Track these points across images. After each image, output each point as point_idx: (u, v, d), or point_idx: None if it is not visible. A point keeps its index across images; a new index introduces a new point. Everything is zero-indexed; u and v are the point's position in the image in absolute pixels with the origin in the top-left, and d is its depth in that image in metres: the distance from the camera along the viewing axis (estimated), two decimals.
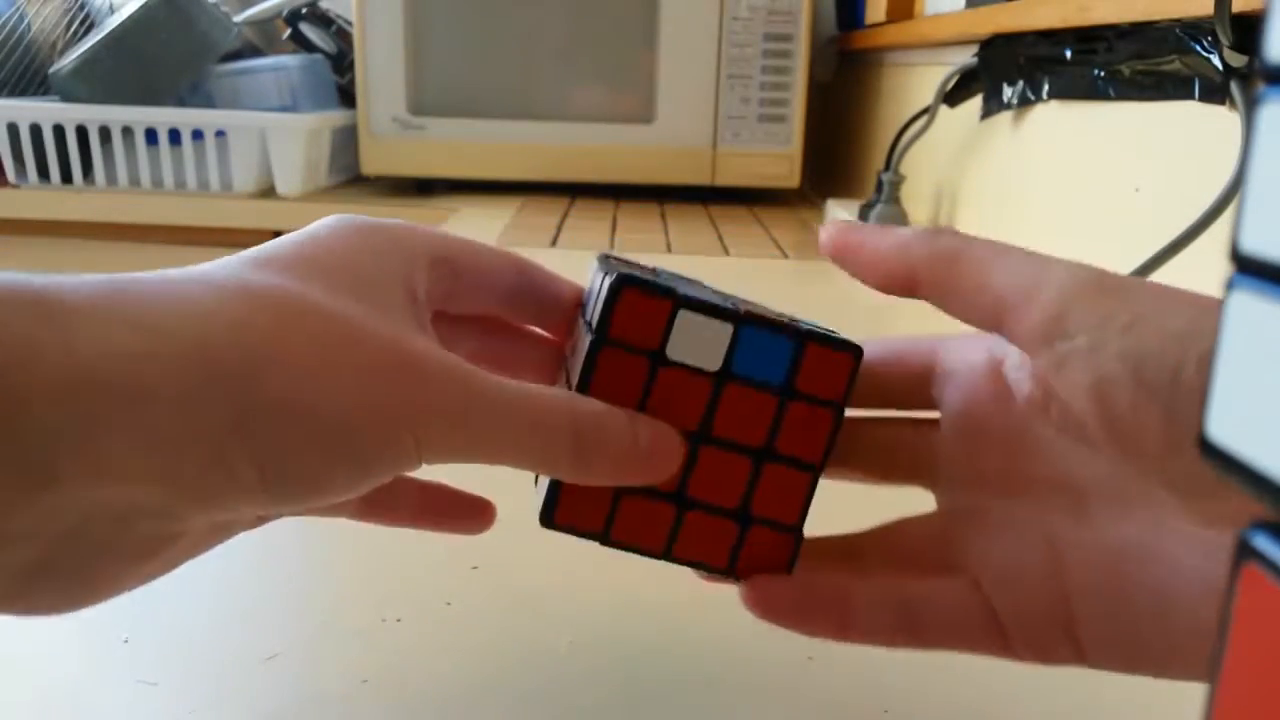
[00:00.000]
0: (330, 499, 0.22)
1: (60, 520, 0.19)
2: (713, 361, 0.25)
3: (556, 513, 0.26)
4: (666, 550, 0.27)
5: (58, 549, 0.19)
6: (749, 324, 0.25)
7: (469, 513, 0.30)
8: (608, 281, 0.25)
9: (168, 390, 0.19)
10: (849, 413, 0.27)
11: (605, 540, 0.26)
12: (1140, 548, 0.23)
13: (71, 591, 0.20)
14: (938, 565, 0.27)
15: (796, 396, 0.26)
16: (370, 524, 0.29)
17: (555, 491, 0.26)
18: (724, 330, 0.25)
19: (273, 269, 0.22)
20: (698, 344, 0.25)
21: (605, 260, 0.28)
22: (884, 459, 0.28)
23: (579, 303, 0.29)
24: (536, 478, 0.27)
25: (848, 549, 0.28)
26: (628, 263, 0.29)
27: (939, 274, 0.24)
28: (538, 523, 0.26)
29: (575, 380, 0.26)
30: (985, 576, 0.26)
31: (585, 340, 0.26)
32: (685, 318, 0.25)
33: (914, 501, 0.28)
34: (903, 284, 0.25)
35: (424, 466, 0.23)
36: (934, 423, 0.28)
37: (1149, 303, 0.22)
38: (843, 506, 0.29)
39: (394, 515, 0.29)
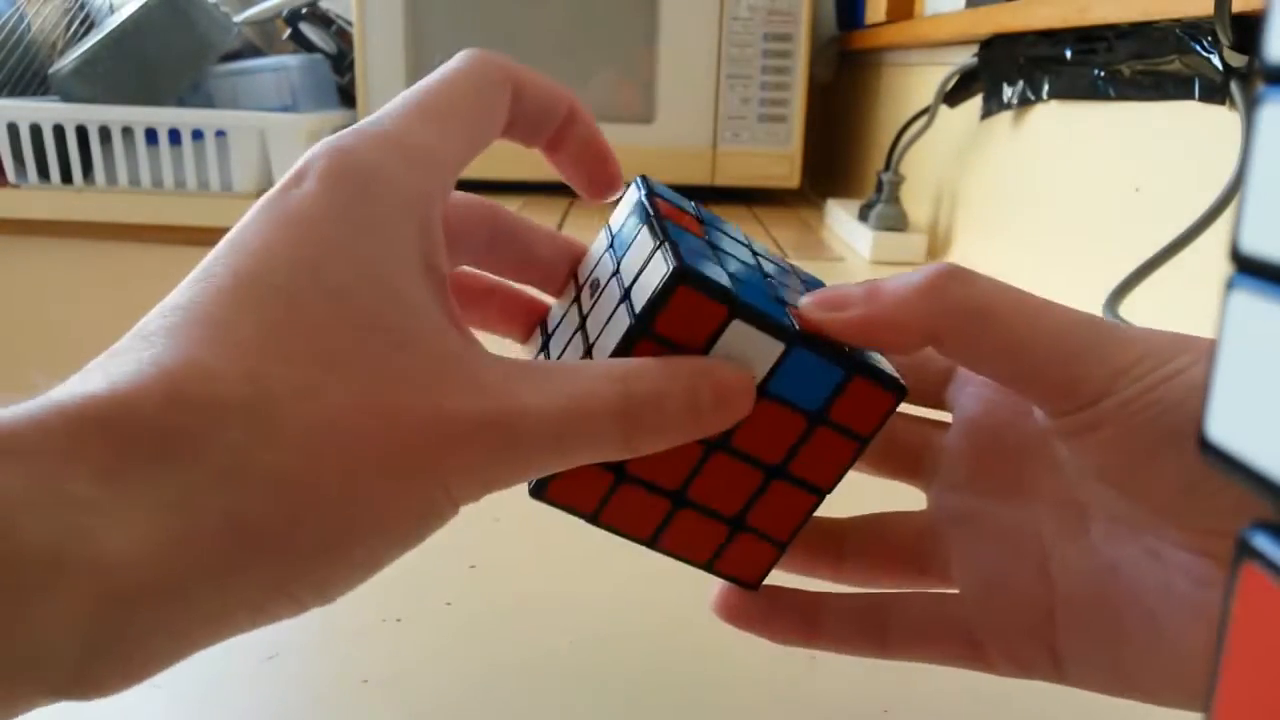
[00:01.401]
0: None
1: None
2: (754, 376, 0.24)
3: (550, 487, 0.25)
4: (651, 540, 0.26)
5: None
6: (801, 346, 0.23)
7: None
8: (661, 263, 0.23)
9: (203, 577, 0.17)
10: None
11: (594, 521, 0.25)
12: (1135, 567, 0.23)
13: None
14: (916, 563, 0.27)
15: (827, 424, 0.24)
16: None
17: None
18: (774, 348, 0.23)
19: (269, 350, 0.19)
20: (743, 355, 0.23)
21: (646, 198, 0.26)
22: (881, 451, 0.28)
23: (566, 258, 0.28)
24: None
25: (830, 533, 0.28)
26: (666, 201, 0.26)
27: (966, 333, 0.22)
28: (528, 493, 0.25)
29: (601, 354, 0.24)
30: (967, 580, 0.26)
31: (618, 312, 0.24)
32: (738, 328, 0.23)
33: (906, 497, 0.28)
34: (919, 343, 0.23)
35: None
36: (938, 423, 0.28)
37: (1178, 353, 0.21)
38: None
39: None
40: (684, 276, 0.22)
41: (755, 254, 0.27)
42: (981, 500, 0.26)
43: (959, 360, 0.24)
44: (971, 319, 0.22)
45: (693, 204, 0.28)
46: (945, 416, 0.28)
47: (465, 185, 0.25)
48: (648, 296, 0.23)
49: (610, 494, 0.25)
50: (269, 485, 0.17)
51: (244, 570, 0.17)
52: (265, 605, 0.18)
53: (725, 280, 0.23)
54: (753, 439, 0.24)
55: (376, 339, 0.19)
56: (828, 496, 0.26)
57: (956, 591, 0.26)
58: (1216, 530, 0.21)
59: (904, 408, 0.28)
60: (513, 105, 0.25)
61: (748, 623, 0.27)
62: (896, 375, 0.25)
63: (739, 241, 0.27)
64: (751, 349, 0.23)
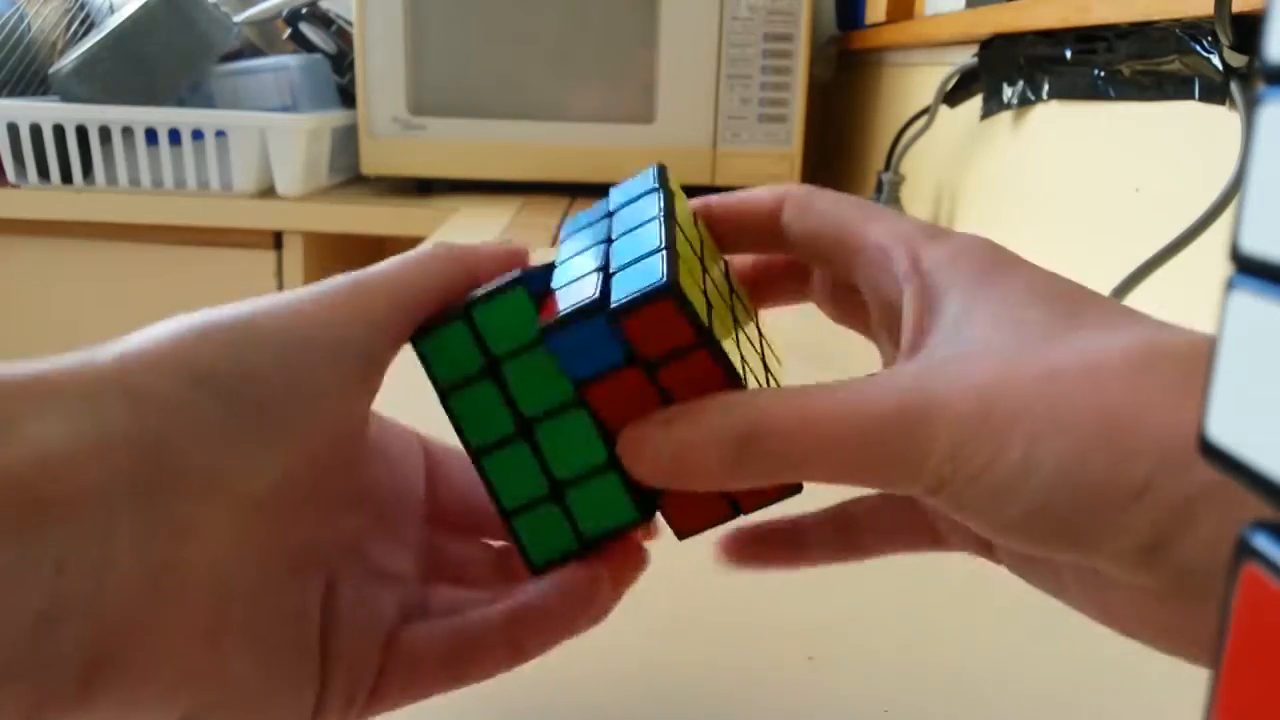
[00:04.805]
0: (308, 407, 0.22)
1: (47, 540, 0.19)
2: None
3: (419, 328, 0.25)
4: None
5: (58, 584, 0.19)
6: (549, 332, 0.23)
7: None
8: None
9: (120, 490, 0.19)
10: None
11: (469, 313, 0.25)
12: None
13: (91, 649, 0.20)
14: None
15: (656, 362, 0.23)
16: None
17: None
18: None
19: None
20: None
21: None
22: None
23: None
24: None
25: None
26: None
27: (785, 479, 0.22)
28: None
29: None
30: None
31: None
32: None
33: None
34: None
35: None
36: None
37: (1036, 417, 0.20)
38: None
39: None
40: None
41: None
42: None
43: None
44: (778, 472, 0.22)
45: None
46: None
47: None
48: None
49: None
50: (172, 414, 0.20)
51: (156, 489, 0.20)
52: (191, 524, 0.20)
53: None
54: (620, 415, 0.24)
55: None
56: None
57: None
58: (1086, 563, 0.21)
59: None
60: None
61: (748, 561, 0.28)
62: (655, 277, 0.22)
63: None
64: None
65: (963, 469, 0.20)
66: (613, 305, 0.22)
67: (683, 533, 0.25)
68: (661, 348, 0.23)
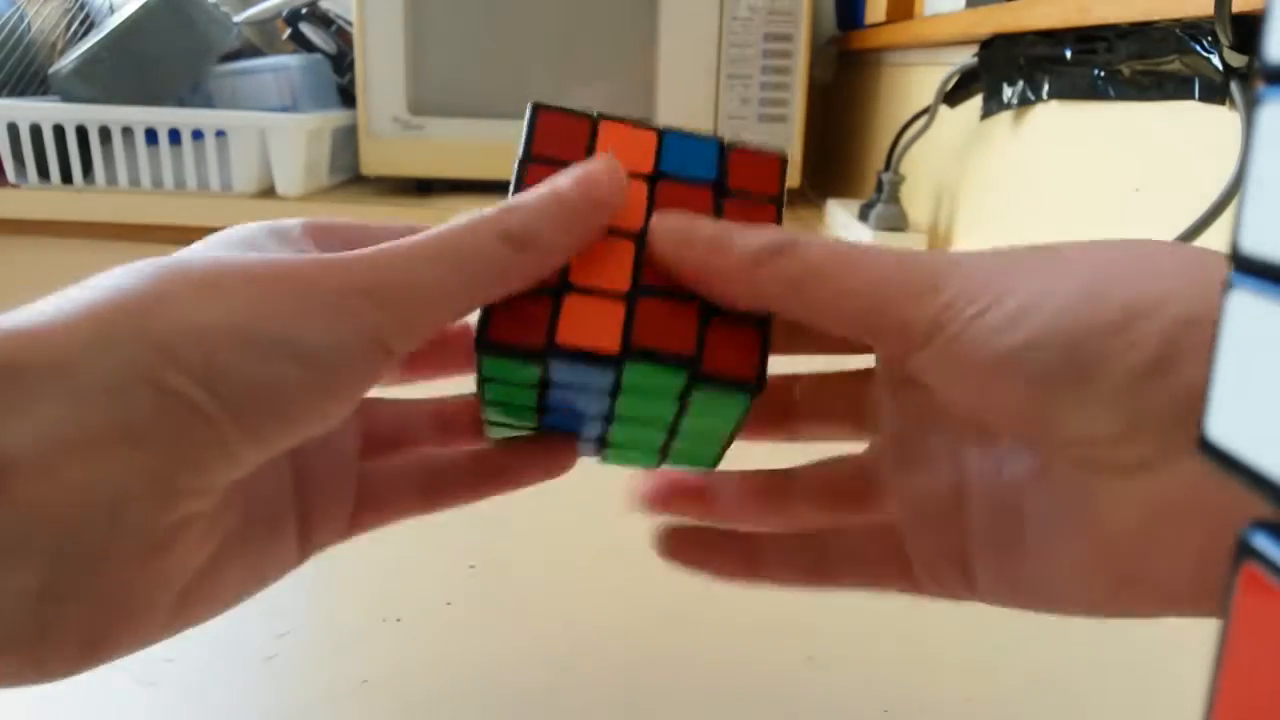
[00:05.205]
0: (303, 416, 0.21)
1: (40, 531, 0.18)
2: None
3: (492, 327, 0.24)
4: (623, 347, 0.24)
5: (56, 568, 0.19)
6: (672, 131, 0.27)
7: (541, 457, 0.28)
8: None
9: (74, 351, 0.19)
10: (791, 369, 0.27)
11: (550, 348, 0.23)
12: (1025, 483, 0.24)
13: (92, 623, 0.20)
14: (861, 496, 0.28)
15: (732, 194, 0.26)
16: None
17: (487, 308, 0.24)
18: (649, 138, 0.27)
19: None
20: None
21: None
22: (824, 410, 0.29)
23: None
24: None
25: (777, 482, 0.28)
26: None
27: (790, 304, 0.23)
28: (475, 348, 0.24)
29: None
30: (900, 501, 0.27)
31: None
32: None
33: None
34: (748, 307, 0.24)
35: None
36: (870, 372, 0.28)
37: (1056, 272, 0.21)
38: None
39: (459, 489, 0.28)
40: (541, 105, 0.28)
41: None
42: (908, 429, 0.27)
43: (796, 320, 0.24)
44: (794, 290, 0.23)
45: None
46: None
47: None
48: (524, 132, 0.28)
49: (555, 314, 0.24)
50: (115, 290, 0.22)
51: (111, 343, 0.19)
52: (160, 377, 0.19)
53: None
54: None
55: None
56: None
57: (892, 521, 0.27)
58: (1074, 442, 0.21)
59: (840, 366, 0.28)
60: None
61: (688, 558, 0.27)
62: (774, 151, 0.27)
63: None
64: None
65: (973, 304, 0.21)
66: (730, 144, 0.27)
67: (641, 347, 0.24)
68: (747, 184, 0.27)
